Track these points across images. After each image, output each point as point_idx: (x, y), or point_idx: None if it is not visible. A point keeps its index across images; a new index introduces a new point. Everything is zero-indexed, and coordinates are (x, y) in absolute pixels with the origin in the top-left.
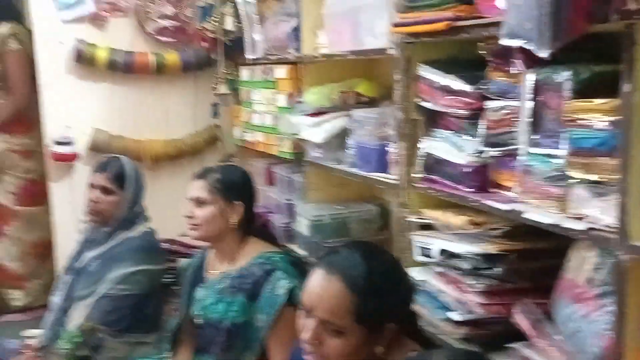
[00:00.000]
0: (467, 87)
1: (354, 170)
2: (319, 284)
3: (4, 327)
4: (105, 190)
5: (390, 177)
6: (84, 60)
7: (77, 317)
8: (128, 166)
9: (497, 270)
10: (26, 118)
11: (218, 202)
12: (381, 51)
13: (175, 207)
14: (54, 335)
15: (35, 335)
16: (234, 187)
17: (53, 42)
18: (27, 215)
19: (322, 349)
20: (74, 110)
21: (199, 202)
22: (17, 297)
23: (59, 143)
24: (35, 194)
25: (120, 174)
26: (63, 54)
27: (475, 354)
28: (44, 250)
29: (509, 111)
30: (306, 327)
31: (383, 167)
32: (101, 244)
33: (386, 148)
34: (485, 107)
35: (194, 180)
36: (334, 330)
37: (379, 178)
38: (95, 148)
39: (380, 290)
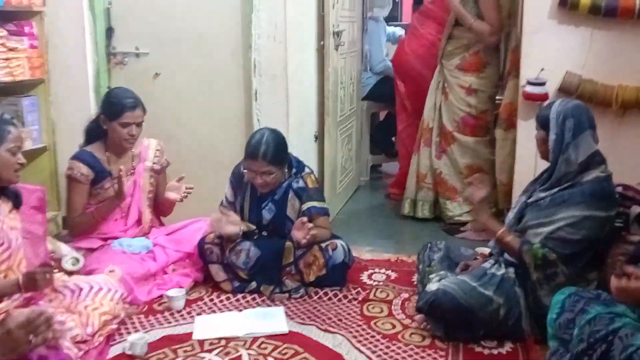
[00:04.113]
0: None
1: None
2: None
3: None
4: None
5: None
6: (568, 4)
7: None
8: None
9: None
10: (479, 60)
11: None
12: None
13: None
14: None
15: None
16: None
17: None
18: (462, 142)
19: None
20: (550, 54)
21: None
22: (450, 209)
23: (532, 84)
24: (472, 126)
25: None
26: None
27: None
28: (472, 173)
29: None
30: None
31: None
32: (551, 185)
33: None
34: None
35: None
36: None
37: None
38: (565, 90)
39: None
